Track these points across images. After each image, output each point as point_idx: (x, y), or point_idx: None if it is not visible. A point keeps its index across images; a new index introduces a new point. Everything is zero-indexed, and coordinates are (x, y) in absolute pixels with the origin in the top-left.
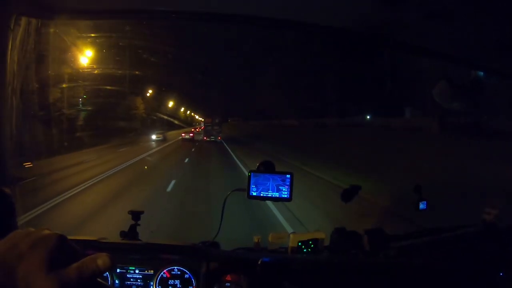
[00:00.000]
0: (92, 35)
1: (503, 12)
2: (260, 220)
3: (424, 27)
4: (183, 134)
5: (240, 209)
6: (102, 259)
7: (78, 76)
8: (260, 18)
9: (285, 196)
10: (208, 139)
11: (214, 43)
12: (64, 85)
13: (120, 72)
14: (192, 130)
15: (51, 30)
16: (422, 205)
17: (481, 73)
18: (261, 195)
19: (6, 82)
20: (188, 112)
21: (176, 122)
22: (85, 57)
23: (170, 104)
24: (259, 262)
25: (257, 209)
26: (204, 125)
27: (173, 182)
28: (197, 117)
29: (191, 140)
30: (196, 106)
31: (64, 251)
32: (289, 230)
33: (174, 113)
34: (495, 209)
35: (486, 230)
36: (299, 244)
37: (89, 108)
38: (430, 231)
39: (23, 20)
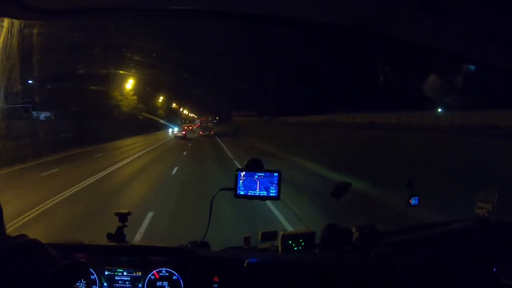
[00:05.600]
0: (76, 34)
1: (494, 5)
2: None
3: (414, 20)
4: (175, 132)
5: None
6: (77, 265)
7: (62, 76)
8: (247, 15)
9: (273, 195)
10: (203, 134)
11: (211, 40)
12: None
13: (104, 71)
14: (185, 128)
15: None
16: (414, 201)
17: (472, 67)
18: (249, 194)
19: None
20: (161, 101)
21: (161, 121)
22: (69, 57)
23: (159, 101)
24: (245, 263)
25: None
26: (199, 122)
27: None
28: (185, 112)
29: (184, 137)
30: (188, 103)
31: (40, 256)
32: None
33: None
34: (488, 204)
35: (478, 224)
36: (290, 242)
37: (75, 109)
38: (422, 227)
39: (6, 22)
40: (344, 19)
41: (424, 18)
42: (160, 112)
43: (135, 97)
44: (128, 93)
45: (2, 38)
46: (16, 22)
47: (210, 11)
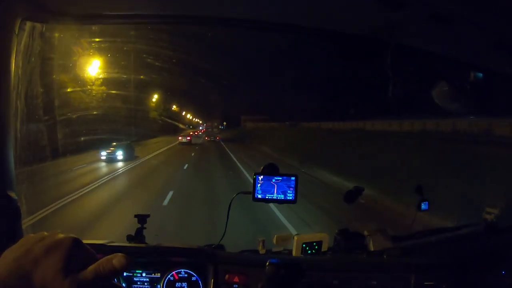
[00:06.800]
0: (97, 40)
1: (502, 13)
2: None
3: (425, 29)
4: (180, 138)
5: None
6: (118, 260)
7: (83, 80)
8: (262, 22)
9: (290, 198)
10: (209, 139)
11: (219, 45)
12: (69, 90)
13: (125, 76)
14: (191, 133)
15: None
16: (424, 206)
17: (481, 75)
18: (266, 197)
19: (11, 86)
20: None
21: (181, 126)
22: (90, 62)
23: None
24: (267, 263)
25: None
26: (205, 127)
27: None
28: (189, 116)
29: (189, 143)
30: (192, 107)
31: (79, 254)
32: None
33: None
34: (496, 209)
35: (487, 229)
36: (303, 245)
37: (95, 113)
38: (432, 231)
39: (28, 25)
40: (356, 28)
41: (434, 27)
42: (154, 114)
43: (103, 87)
44: (94, 81)
45: (23, 42)
46: (38, 26)
47: (225, 19)
